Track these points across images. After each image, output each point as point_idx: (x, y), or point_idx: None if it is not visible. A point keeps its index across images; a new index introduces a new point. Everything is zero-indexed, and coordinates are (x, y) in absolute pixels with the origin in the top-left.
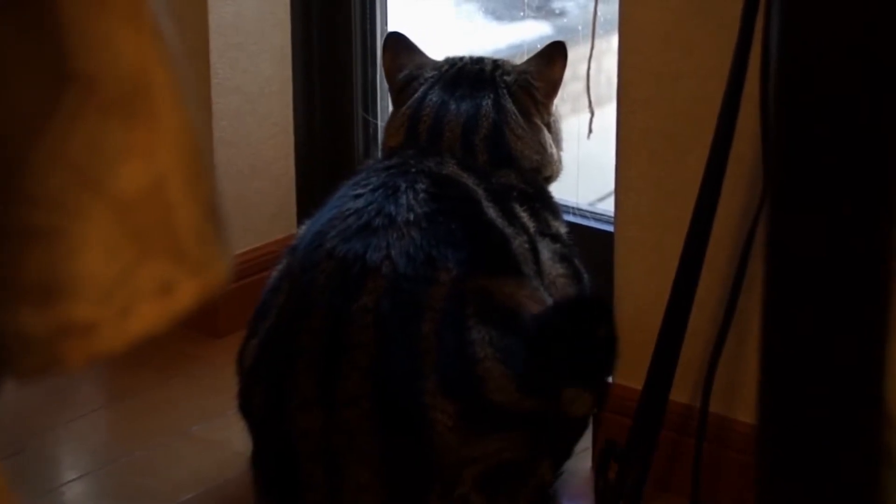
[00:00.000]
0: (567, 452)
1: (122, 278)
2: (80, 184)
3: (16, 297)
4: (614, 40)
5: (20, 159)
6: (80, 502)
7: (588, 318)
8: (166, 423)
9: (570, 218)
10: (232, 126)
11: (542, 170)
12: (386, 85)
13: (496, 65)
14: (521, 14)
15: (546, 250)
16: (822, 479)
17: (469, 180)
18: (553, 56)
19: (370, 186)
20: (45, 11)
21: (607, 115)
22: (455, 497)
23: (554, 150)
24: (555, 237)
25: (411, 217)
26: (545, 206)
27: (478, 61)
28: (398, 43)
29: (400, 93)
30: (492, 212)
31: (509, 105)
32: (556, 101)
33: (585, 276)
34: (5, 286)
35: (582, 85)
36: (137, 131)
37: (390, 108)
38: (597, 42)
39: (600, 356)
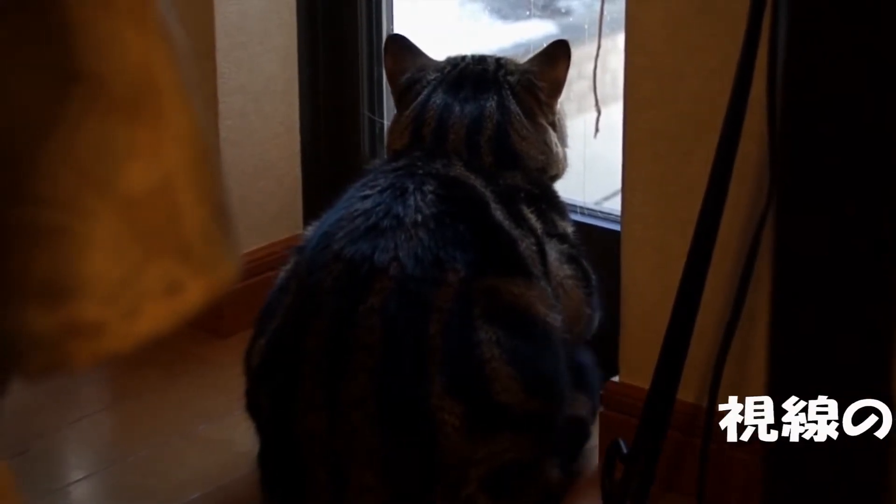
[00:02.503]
0: (572, 456)
1: (130, 278)
2: (88, 184)
3: (24, 296)
4: (619, 39)
5: (28, 159)
6: (85, 502)
7: None
8: (171, 424)
9: (577, 217)
10: (237, 126)
11: (548, 169)
12: None
13: (499, 64)
14: (527, 13)
15: (553, 251)
16: (829, 478)
17: (476, 182)
18: (556, 55)
19: (378, 188)
20: (51, 12)
21: (613, 114)
22: (461, 498)
23: (559, 149)
24: (562, 238)
25: (419, 218)
26: (552, 207)
27: (480, 61)
28: (399, 45)
29: (403, 95)
30: (499, 214)
31: (513, 106)
32: (562, 99)
33: (593, 276)
34: (13, 286)
35: (588, 84)
36: (144, 131)
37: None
38: (603, 41)
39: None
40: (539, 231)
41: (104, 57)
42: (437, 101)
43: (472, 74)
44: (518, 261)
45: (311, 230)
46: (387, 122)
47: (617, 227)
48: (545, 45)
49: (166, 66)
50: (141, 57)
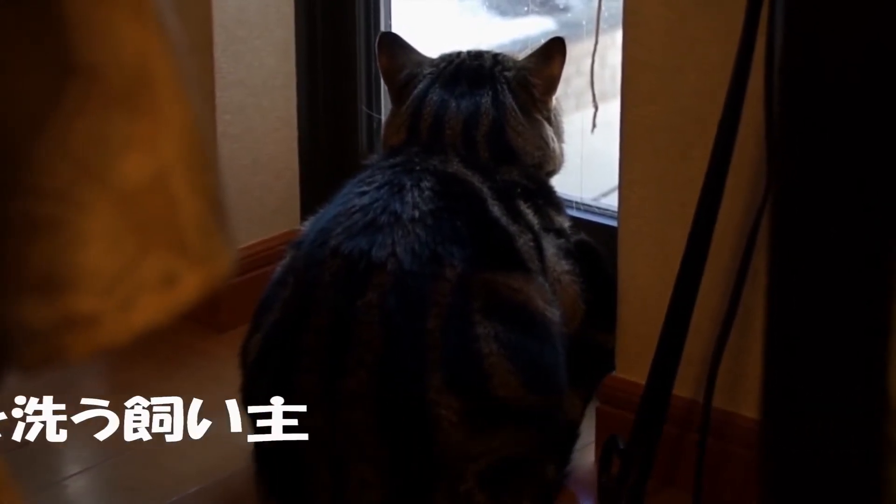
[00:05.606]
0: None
1: (125, 270)
2: (83, 176)
3: (19, 289)
4: (618, 35)
5: (23, 151)
6: (83, 495)
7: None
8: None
9: (574, 213)
10: (235, 120)
11: (545, 165)
12: None
13: (496, 60)
14: (525, 9)
15: (550, 246)
16: (826, 474)
17: (474, 178)
18: (551, 53)
19: (375, 184)
20: (47, 4)
21: (611, 110)
22: (459, 493)
23: (555, 145)
24: (559, 232)
25: (416, 214)
26: (548, 202)
27: (477, 56)
28: (393, 43)
29: (400, 92)
30: (496, 210)
31: (509, 101)
32: (560, 95)
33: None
34: (9, 278)
35: (586, 80)
36: (140, 123)
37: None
38: (601, 37)
39: (597, 362)
40: (536, 226)
41: (100, 49)
42: (434, 97)
43: (469, 70)
44: (516, 256)
45: (307, 225)
46: (384, 118)
47: (614, 223)
48: (542, 42)
49: (163, 59)
50: (137, 49)
